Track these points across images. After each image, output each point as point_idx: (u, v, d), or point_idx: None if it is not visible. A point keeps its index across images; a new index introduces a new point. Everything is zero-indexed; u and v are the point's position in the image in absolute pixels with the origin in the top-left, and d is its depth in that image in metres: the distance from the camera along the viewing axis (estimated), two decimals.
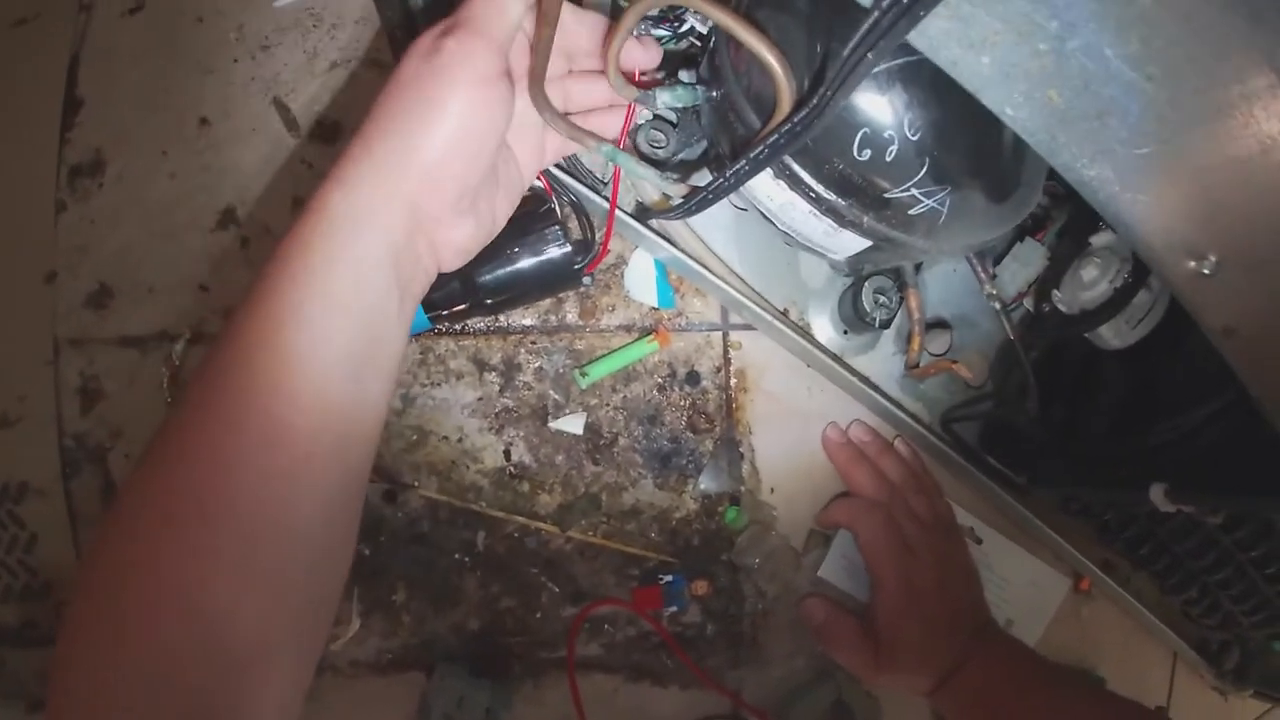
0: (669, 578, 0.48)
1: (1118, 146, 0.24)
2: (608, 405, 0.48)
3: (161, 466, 0.26)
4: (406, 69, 0.29)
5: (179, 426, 0.26)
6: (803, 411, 0.49)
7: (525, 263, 0.41)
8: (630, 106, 0.36)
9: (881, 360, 0.50)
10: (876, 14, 0.23)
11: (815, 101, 0.28)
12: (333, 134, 0.50)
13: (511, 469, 0.47)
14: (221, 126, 0.51)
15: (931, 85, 0.30)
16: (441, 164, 0.29)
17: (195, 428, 0.26)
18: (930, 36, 0.23)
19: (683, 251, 0.45)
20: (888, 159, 0.31)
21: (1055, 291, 0.42)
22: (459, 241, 0.31)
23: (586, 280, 0.47)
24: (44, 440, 0.48)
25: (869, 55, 0.24)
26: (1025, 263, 0.45)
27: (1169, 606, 0.52)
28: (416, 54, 0.29)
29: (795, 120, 0.29)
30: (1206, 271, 0.25)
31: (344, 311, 0.27)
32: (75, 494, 0.47)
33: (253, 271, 0.48)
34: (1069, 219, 0.45)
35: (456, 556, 0.47)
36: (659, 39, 0.38)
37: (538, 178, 0.43)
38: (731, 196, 0.46)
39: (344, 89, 0.51)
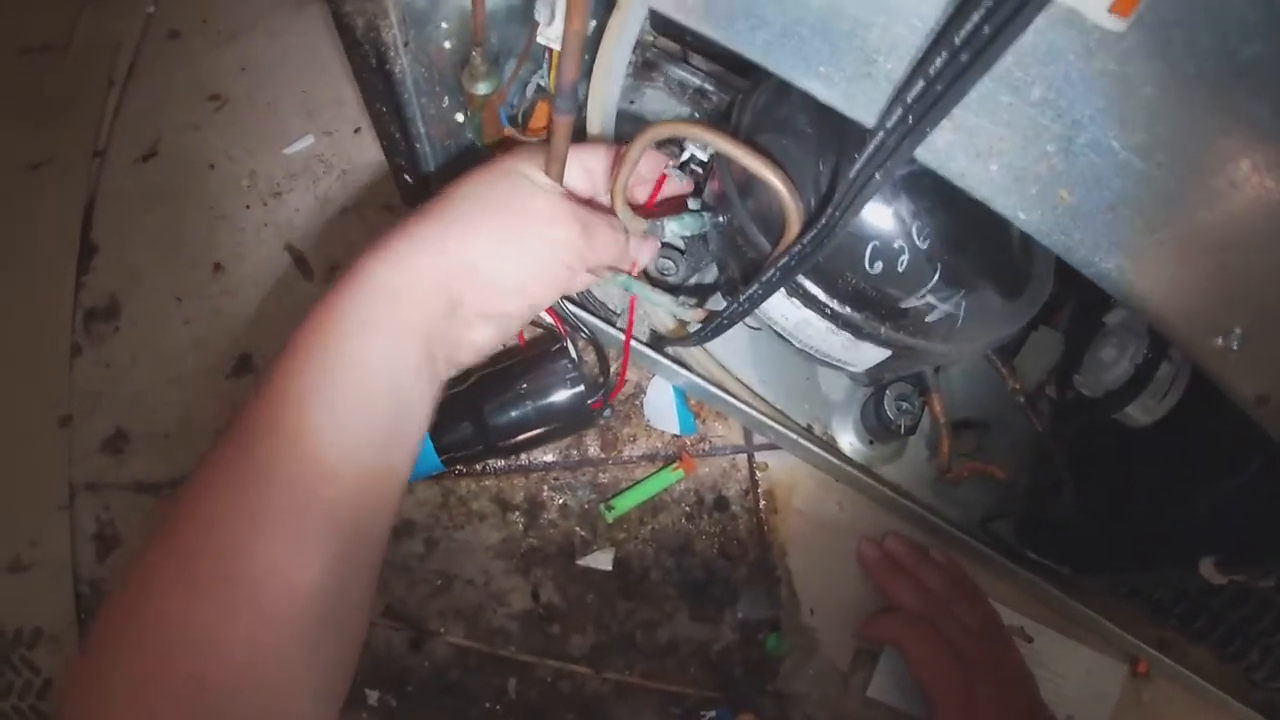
0: (713, 714, 0.45)
1: (1132, 235, 0.23)
2: (636, 538, 0.46)
3: (187, 524, 0.26)
4: (473, 176, 0.31)
5: (206, 486, 0.26)
6: (836, 527, 0.48)
7: (536, 403, 0.41)
8: (662, 178, 0.37)
9: (911, 467, 0.49)
10: (882, 134, 0.23)
11: (824, 222, 0.27)
12: None
13: (541, 610, 0.45)
14: (235, 272, 0.51)
15: (936, 192, 0.30)
16: (492, 266, 0.30)
17: (221, 489, 0.26)
18: (937, 150, 0.23)
19: (700, 376, 0.44)
20: (900, 269, 0.31)
21: (1076, 376, 0.42)
22: (480, 343, 0.32)
23: (606, 412, 0.46)
24: (58, 586, 0.46)
25: (876, 175, 0.24)
26: (1042, 351, 0.44)
27: (1231, 675, 0.50)
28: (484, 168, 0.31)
29: (805, 241, 0.29)
30: (1234, 346, 0.25)
31: (375, 383, 0.27)
32: None
33: None
34: (1079, 301, 0.44)
35: (488, 705, 0.45)
36: None
37: (550, 315, 0.43)
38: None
39: (358, 233, 0.51)
